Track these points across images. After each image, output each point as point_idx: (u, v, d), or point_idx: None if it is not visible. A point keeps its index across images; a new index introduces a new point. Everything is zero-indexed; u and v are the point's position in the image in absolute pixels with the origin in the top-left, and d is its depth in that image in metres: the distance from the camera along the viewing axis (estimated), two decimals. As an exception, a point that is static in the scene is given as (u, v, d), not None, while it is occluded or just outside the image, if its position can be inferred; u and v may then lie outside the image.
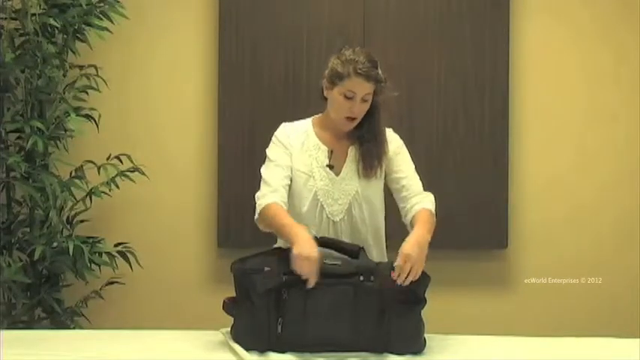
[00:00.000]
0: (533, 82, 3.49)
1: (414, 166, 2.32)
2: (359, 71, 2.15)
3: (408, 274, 1.98)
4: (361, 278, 2.01)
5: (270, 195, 2.17)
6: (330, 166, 2.25)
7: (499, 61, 3.39)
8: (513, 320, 3.47)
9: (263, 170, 2.26)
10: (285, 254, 2.06)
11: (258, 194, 2.21)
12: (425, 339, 2.08)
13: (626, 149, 3.51)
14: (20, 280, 2.90)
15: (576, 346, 2.19)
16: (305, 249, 1.97)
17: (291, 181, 2.24)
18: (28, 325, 3.01)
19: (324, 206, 2.24)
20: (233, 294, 2.10)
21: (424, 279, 2.06)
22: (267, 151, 2.30)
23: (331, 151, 2.27)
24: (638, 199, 3.51)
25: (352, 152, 2.28)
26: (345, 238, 2.23)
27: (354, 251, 2.10)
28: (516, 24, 3.46)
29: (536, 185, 3.50)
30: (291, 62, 3.36)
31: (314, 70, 3.34)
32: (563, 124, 3.51)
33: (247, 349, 2.01)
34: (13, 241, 3.04)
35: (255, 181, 3.29)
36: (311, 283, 1.97)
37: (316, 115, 2.36)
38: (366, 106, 2.21)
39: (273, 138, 2.31)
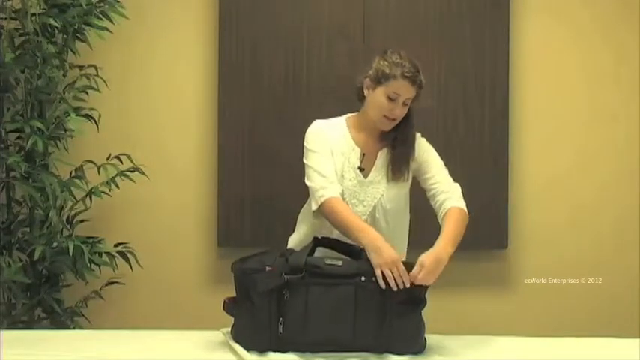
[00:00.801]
0: (533, 82, 3.49)
1: (442, 165, 2.37)
2: (406, 74, 2.22)
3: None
4: (362, 279, 2.01)
5: (330, 187, 2.21)
6: (361, 169, 2.29)
7: (499, 61, 3.39)
8: (513, 320, 3.47)
9: (312, 162, 2.26)
10: (285, 254, 2.06)
11: (314, 185, 2.23)
12: (425, 339, 2.08)
13: (626, 149, 3.51)
14: (20, 280, 2.90)
15: (576, 346, 2.19)
16: (387, 256, 2.02)
17: None
18: (28, 325, 3.01)
19: (349, 206, 2.25)
20: (233, 294, 2.10)
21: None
22: (309, 144, 2.30)
23: (364, 154, 2.31)
24: (638, 198, 3.51)
25: (382, 156, 2.33)
26: None
27: (355, 252, 2.11)
28: (516, 24, 3.46)
29: (536, 185, 3.50)
30: (291, 62, 3.36)
31: (314, 70, 3.35)
32: (563, 124, 3.51)
33: (248, 349, 2.01)
34: (13, 241, 3.04)
35: (255, 181, 3.34)
36: (401, 285, 2.00)
37: (349, 115, 2.40)
38: (405, 110, 2.27)
39: (311, 133, 2.32)
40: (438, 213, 2.30)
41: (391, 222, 2.34)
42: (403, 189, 2.35)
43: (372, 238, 2.08)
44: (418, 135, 2.38)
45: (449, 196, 2.30)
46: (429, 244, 2.24)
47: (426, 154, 2.37)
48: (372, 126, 2.32)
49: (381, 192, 2.31)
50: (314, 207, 2.23)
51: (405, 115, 2.29)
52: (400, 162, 2.31)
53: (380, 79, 2.25)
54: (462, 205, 2.30)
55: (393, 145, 2.32)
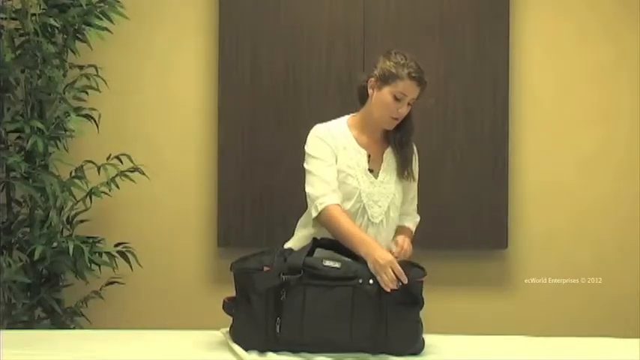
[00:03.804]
0: (534, 82, 3.49)
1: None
2: (413, 75, 2.24)
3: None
4: (360, 281, 2.02)
5: (331, 195, 2.21)
6: (371, 170, 2.31)
7: (499, 61, 3.39)
8: (513, 320, 3.47)
9: (313, 168, 2.26)
10: (284, 254, 2.06)
11: (314, 192, 2.22)
12: (424, 340, 2.08)
13: (628, 148, 3.51)
14: (20, 280, 2.90)
15: (576, 346, 2.19)
16: (382, 259, 2.02)
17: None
18: (28, 325, 3.01)
19: (366, 208, 2.28)
20: (233, 294, 2.11)
21: (419, 283, 2.07)
22: (311, 149, 2.29)
23: (369, 155, 2.32)
24: (639, 198, 3.51)
25: (388, 157, 2.35)
26: (383, 241, 2.23)
27: (354, 253, 2.11)
28: (516, 24, 3.46)
29: (536, 185, 3.50)
30: (291, 62, 3.36)
31: (314, 70, 3.35)
32: (563, 123, 3.51)
33: (246, 349, 2.01)
34: (13, 241, 3.04)
35: (255, 181, 3.34)
36: (395, 285, 2.01)
37: (348, 116, 2.40)
38: (409, 109, 2.30)
39: (314, 138, 2.30)
40: (401, 221, 2.43)
41: (395, 220, 2.37)
42: (408, 187, 2.40)
43: (369, 248, 2.08)
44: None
45: (411, 219, 2.46)
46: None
47: (415, 157, 2.43)
48: (374, 126, 2.33)
49: (393, 191, 2.32)
50: (314, 214, 2.21)
51: (409, 113, 2.32)
52: (406, 162, 2.35)
53: (387, 79, 2.25)
54: (414, 229, 2.48)
55: (399, 146, 2.34)
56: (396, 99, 2.25)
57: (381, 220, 2.29)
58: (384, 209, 2.30)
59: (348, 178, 2.26)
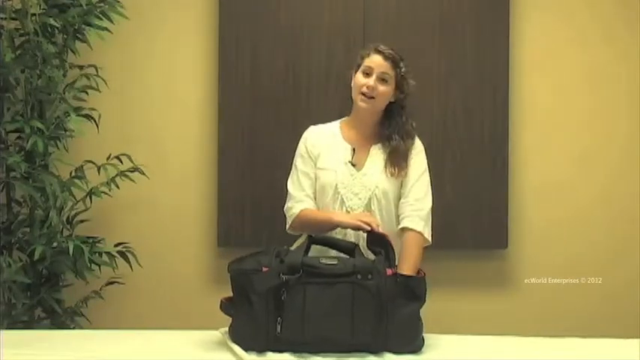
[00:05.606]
0: (534, 82, 3.49)
1: (424, 171, 2.41)
2: (378, 49, 2.35)
3: None
4: (359, 277, 2.02)
5: (296, 206, 2.37)
6: (353, 164, 2.36)
7: (499, 61, 3.39)
8: (513, 320, 3.47)
9: (289, 182, 2.42)
10: (280, 254, 2.06)
11: (286, 208, 2.41)
12: (423, 338, 2.08)
13: (627, 148, 3.51)
14: (20, 280, 2.90)
15: (576, 346, 2.19)
16: (354, 214, 2.25)
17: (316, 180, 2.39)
18: (28, 325, 3.00)
19: (344, 199, 2.33)
20: (232, 294, 2.10)
21: (422, 280, 2.07)
22: (296, 154, 2.44)
23: (354, 149, 2.39)
24: (638, 197, 3.51)
25: (375, 151, 2.40)
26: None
27: (349, 248, 2.13)
28: (516, 24, 3.46)
29: (536, 185, 3.50)
30: (291, 62, 3.36)
31: (314, 70, 3.35)
32: (563, 123, 3.51)
33: (246, 349, 2.01)
34: (13, 241, 3.04)
35: (255, 181, 3.34)
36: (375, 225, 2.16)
37: (345, 118, 2.49)
38: (384, 88, 2.34)
39: (301, 142, 2.44)
40: (399, 223, 2.34)
41: (386, 216, 2.36)
42: (397, 183, 2.37)
43: (339, 213, 2.30)
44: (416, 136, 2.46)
45: (410, 213, 2.32)
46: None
47: (414, 157, 2.41)
48: (360, 119, 2.40)
49: (375, 183, 2.35)
50: (287, 226, 2.39)
51: (396, 110, 2.38)
52: (398, 157, 2.36)
53: (358, 64, 2.38)
54: (420, 226, 2.30)
55: (389, 140, 2.37)
56: (365, 74, 2.34)
57: (362, 212, 2.32)
58: (364, 201, 2.34)
59: (325, 171, 2.36)
